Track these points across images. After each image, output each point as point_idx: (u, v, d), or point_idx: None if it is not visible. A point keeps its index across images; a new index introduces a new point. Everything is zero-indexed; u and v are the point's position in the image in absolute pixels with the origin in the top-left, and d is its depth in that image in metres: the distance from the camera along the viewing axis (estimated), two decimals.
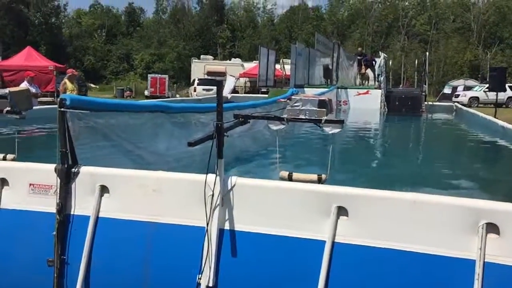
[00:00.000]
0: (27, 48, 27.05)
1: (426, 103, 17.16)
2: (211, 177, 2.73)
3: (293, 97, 3.09)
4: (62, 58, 42.72)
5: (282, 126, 3.03)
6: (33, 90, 11.95)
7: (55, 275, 2.89)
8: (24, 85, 12.50)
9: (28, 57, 25.33)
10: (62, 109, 2.90)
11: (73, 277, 2.88)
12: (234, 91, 22.33)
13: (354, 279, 2.56)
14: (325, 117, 2.92)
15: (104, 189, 2.96)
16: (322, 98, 3.09)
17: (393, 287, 2.48)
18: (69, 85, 11.19)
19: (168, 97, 29.78)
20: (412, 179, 4.82)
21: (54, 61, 27.74)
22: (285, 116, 3.00)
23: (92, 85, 45.89)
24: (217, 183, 2.73)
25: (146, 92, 35.92)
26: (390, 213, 2.53)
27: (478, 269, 2.34)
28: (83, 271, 2.86)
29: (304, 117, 2.97)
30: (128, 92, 37.80)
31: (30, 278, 2.99)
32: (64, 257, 2.91)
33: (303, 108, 2.98)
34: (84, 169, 2.99)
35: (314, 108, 2.93)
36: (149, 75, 39.11)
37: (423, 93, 17.52)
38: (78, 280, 2.85)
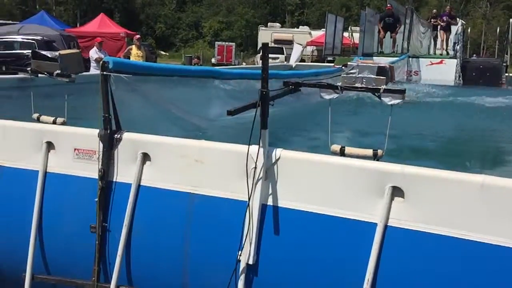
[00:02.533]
0: (100, 15, 27.90)
1: (506, 74, 15.86)
2: (254, 148, 2.54)
3: (349, 63, 2.79)
4: (135, 25, 43.84)
5: (335, 95, 2.76)
6: (102, 56, 12.26)
7: (97, 242, 2.86)
8: (93, 51, 12.87)
9: (101, 24, 26.14)
10: (104, 73, 2.80)
11: (114, 244, 2.84)
12: (301, 59, 21.85)
13: (407, 267, 2.29)
14: (384, 86, 2.61)
15: (146, 157, 2.86)
16: (382, 64, 2.77)
17: (452, 280, 2.19)
18: (133, 51, 11.30)
19: (234, 65, 29.80)
20: (484, 161, 4.33)
21: (126, 28, 28.44)
22: (339, 84, 2.72)
23: (163, 52, 46.91)
24: (260, 155, 2.53)
25: (213, 60, 36.17)
26: (455, 197, 2.22)
27: None
28: (123, 239, 2.80)
29: (360, 86, 2.68)
30: (195, 59, 38.19)
31: (74, 242, 2.99)
32: (106, 224, 2.87)
33: (359, 75, 2.68)
34: (126, 135, 2.89)
35: (372, 76, 2.63)
36: (216, 42, 39.28)
37: (504, 64, 16.18)
38: (119, 248, 2.80)
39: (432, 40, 19.21)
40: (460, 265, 2.18)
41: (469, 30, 21.20)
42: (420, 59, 15.54)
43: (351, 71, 2.72)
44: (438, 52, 17.41)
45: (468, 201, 2.18)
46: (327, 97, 2.77)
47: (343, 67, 2.94)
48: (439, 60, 15.57)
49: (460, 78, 14.82)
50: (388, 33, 16.55)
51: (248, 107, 2.49)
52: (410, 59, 15.22)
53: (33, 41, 17.93)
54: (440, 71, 14.75)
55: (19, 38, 18.72)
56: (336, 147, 2.72)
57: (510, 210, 2.10)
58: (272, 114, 2.54)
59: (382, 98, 2.64)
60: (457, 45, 15.96)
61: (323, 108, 2.85)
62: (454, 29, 17.57)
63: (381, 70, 2.69)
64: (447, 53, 16.37)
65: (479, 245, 2.14)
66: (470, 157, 4.23)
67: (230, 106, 4.20)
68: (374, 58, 14.39)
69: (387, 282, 2.30)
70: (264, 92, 2.43)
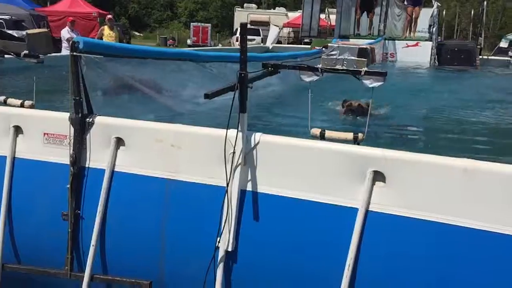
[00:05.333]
0: None
1: (480, 57, 16.06)
2: (232, 133, 2.46)
3: (329, 44, 2.71)
4: (107, 5, 42.70)
5: (315, 78, 2.69)
6: (74, 35, 11.89)
7: (70, 229, 2.76)
8: (65, 30, 12.48)
9: (72, 3, 25.37)
10: (74, 53, 2.66)
11: (87, 232, 2.74)
12: (278, 41, 21.68)
13: (388, 252, 2.27)
14: (365, 68, 2.56)
15: (120, 142, 2.75)
16: (363, 46, 2.71)
17: (435, 266, 2.17)
18: (106, 31, 10.96)
19: (210, 46, 29.42)
20: (464, 144, 4.35)
21: (99, 8, 27.69)
22: (319, 66, 2.65)
23: (137, 33, 45.96)
24: (238, 139, 2.45)
25: (188, 41, 35.66)
26: (437, 182, 2.19)
27: None
28: (97, 227, 2.71)
29: (340, 68, 2.61)
30: (170, 40, 37.65)
31: (46, 230, 2.88)
32: (79, 211, 2.77)
33: (340, 57, 2.61)
34: (99, 119, 2.77)
35: (353, 58, 2.57)
36: (191, 23, 38.71)
37: (478, 46, 16.36)
38: (93, 236, 2.71)
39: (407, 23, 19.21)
40: (442, 250, 2.17)
41: (444, 13, 21.30)
42: (396, 41, 15.58)
43: (332, 53, 2.66)
44: (396, 33, 17.02)
45: (451, 186, 2.16)
46: (307, 79, 2.71)
47: (323, 49, 2.87)
48: (414, 42, 15.64)
49: (436, 60, 14.93)
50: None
51: (226, 90, 2.40)
52: (386, 41, 15.24)
53: (1, 21, 17.30)
54: (416, 53, 14.84)
55: None
56: (316, 131, 2.67)
57: (494, 194, 2.09)
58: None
59: (363, 81, 2.59)
60: (433, 27, 16.01)
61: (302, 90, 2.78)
62: (427, 11, 17.56)
63: (362, 52, 2.63)
64: (409, 36, 16.25)
65: (462, 230, 2.12)
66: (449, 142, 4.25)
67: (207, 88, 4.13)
68: (350, 40, 14.36)
69: (368, 268, 2.27)
70: (242, 74, 2.35)
